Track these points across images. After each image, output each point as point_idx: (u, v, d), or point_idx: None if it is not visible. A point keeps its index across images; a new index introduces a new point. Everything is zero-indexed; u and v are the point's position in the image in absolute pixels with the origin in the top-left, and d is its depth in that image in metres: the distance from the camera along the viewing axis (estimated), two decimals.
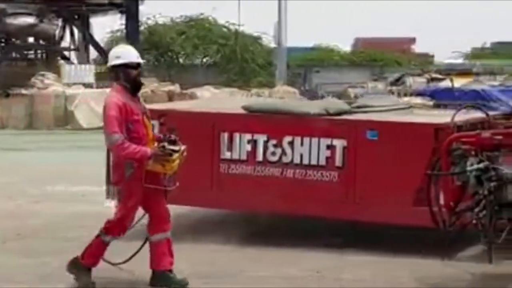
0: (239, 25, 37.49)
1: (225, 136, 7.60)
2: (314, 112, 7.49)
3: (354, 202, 7.19)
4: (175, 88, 24.68)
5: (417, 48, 60.63)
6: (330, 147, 7.25)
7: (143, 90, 7.42)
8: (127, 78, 6.01)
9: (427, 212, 6.85)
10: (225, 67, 35.93)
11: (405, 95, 26.56)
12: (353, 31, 67.31)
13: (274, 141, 7.46)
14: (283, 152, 7.42)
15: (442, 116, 7.71)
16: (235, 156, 7.60)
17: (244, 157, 7.57)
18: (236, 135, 7.59)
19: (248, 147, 7.55)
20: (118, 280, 6.40)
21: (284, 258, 6.97)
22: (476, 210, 5.64)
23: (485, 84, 21.56)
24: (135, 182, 5.95)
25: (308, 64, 42.01)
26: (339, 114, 7.69)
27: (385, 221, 7.12)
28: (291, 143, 7.39)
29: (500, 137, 5.85)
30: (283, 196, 7.36)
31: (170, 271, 6.10)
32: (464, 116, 7.37)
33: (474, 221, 5.67)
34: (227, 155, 7.60)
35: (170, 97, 22.94)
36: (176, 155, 5.91)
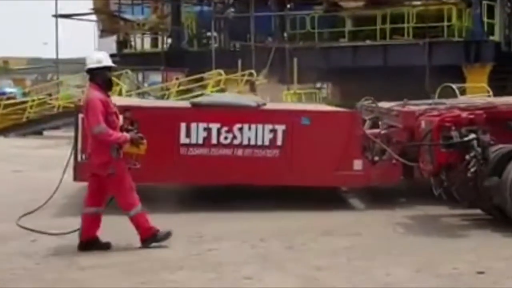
0: None
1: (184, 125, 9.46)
2: (254, 105, 9.73)
3: (291, 171, 9.47)
4: None
5: None
6: (273, 131, 9.49)
7: None
8: (104, 78, 7.11)
9: (345, 176, 9.42)
10: None
11: None
12: None
13: (226, 128, 9.49)
14: (234, 136, 9.48)
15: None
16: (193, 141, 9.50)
17: (200, 141, 9.50)
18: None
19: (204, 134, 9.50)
20: None
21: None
22: (470, 167, 7.72)
23: None
24: (122, 160, 7.04)
25: None
26: (260, 106, 9.99)
27: (315, 184, 9.51)
28: (240, 129, 9.48)
29: (472, 116, 8.17)
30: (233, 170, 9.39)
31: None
32: None
33: (469, 175, 7.70)
34: (186, 140, 9.45)
35: None
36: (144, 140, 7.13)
